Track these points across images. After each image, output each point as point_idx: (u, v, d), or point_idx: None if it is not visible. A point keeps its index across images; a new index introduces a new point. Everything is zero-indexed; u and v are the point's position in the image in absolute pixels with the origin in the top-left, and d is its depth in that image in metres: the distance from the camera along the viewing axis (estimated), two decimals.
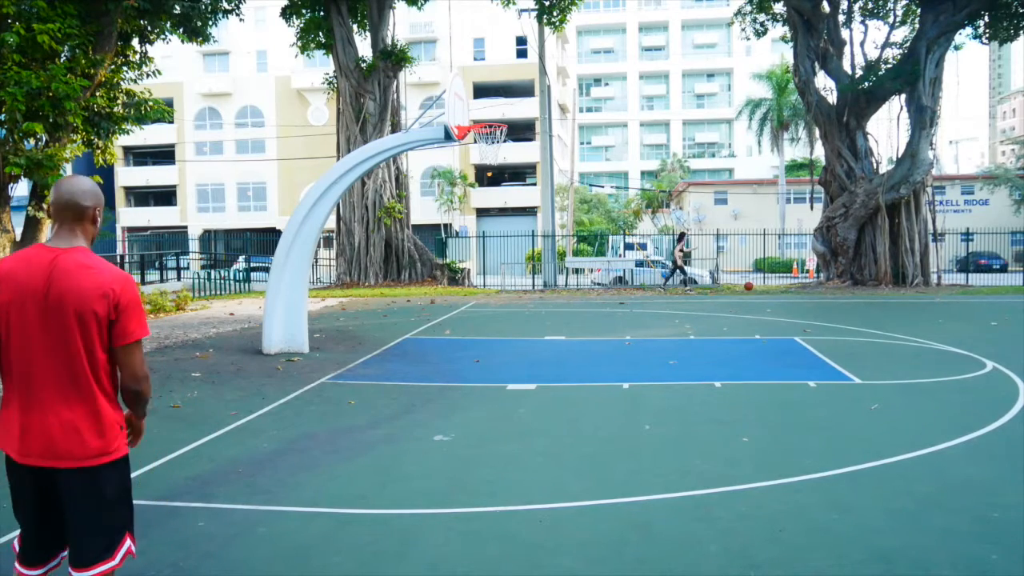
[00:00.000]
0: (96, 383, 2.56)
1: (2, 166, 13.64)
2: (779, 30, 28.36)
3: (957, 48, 26.93)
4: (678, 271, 24.48)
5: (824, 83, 26.25)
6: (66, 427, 2.53)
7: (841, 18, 25.99)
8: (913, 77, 23.87)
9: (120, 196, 51.19)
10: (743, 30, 28.39)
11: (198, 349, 11.57)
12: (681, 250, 24.31)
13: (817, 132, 29.36)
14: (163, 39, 17.86)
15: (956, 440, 6.05)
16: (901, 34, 28.18)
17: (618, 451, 5.94)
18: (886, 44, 26.44)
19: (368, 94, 25.69)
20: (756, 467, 5.42)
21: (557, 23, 26.21)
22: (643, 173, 69.74)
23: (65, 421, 2.53)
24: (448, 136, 11.66)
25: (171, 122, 20.70)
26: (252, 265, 30.05)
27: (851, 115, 24.83)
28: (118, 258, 26.75)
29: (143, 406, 2.73)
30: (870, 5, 27.14)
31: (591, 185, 60.92)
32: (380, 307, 18.62)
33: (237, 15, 20.89)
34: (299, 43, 26.75)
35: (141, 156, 51.71)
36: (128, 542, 2.71)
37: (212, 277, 24.50)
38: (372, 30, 26.23)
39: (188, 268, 29.56)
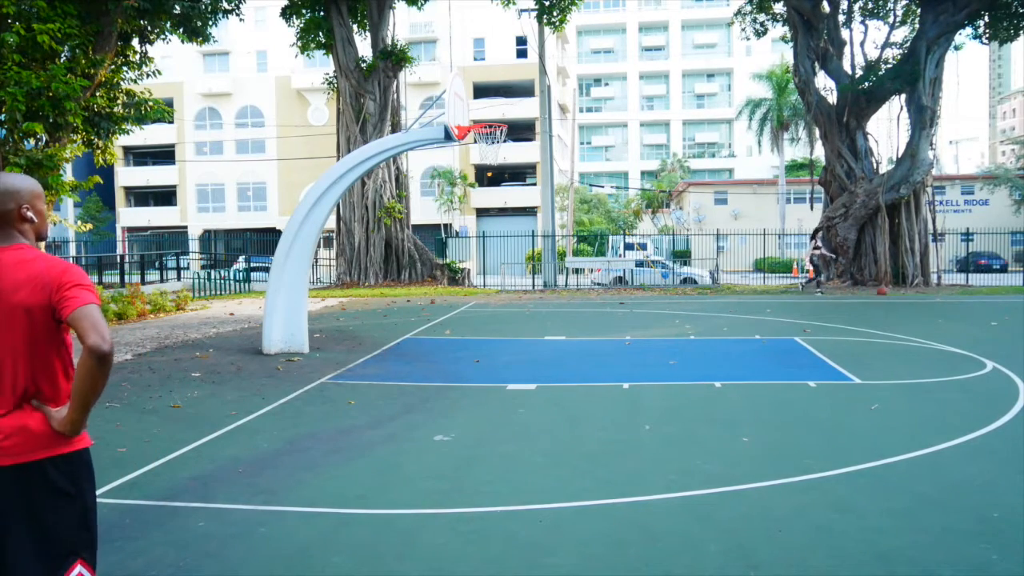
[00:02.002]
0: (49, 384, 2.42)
1: (2, 166, 13.64)
2: (779, 30, 28.37)
3: (957, 48, 26.94)
4: (817, 270, 23.41)
5: (824, 83, 26.29)
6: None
7: (841, 18, 26.00)
8: (913, 77, 23.87)
9: (120, 196, 51.18)
10: (743, 30, 28.40)
11: (198, 349, 11.57)
12: (817, 247, 23.34)
13: (817, 132, 29.35)
14: (163, 39, 17.87)
15: (956, 440, 6.04)
16: (901, 34, 28.25)
17: (618, 451, 5.94)
18: (886, 44, 26.46)
19: (368, 94, 25.70)
20: (756, 467, 5.42)
21: (557, 23, 26.21)
22: (643, 173, 69.72)
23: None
24: (448, 136, 11.67)
25: (171, 122, 20.70)
26: (252, 265, 30.03)
27: (851, 115, 24.83)
28: (118, 258, 26.74)
29: (106, 368, 2.29)
30: (870, 5, 27.15)
31: (591, 185, 60.89)
32: (380, 307, 18.62)
33: (237, 15, 20.90)
34: (299, 43, 26.76)
35: (141, 156, 51.69)
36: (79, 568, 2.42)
37: (212, 277, 24.49)
38: (372, 30, 26.24)
39: (188, 268, 29.56)
